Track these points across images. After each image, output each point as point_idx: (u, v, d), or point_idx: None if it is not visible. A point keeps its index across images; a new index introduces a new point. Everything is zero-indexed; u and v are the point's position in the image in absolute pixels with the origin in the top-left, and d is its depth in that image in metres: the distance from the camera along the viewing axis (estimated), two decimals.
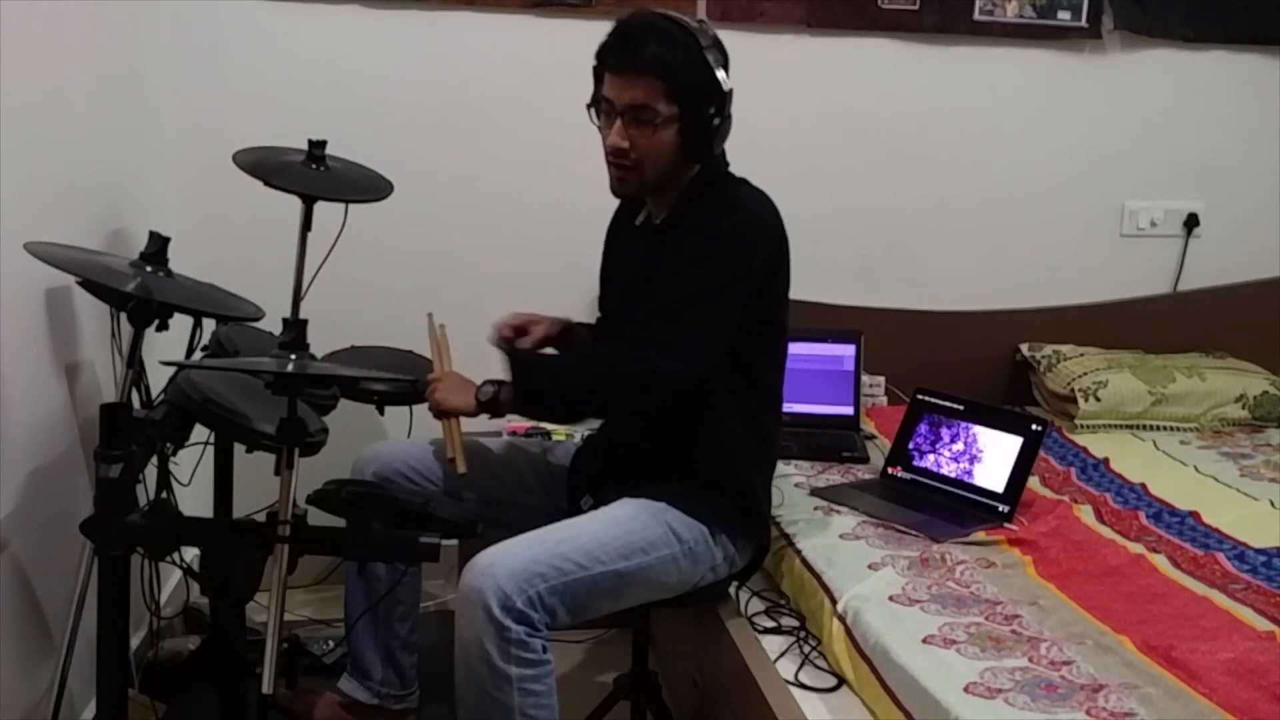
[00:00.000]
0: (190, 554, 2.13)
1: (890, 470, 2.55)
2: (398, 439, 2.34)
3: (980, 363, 3.22)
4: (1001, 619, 1.88)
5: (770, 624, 2.09)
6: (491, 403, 1.99)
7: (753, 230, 1.97)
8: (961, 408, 2.52)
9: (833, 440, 2.78)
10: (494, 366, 2.06)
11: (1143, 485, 2.54)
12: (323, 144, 2.29)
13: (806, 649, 1.99)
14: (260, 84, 2.87)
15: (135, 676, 2.18)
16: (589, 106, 1.99)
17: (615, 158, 1.96)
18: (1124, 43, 3.23)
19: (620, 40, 1.92)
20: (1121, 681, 1.65)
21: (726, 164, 2.06)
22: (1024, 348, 3.25)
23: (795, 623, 2.08)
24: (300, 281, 2.31)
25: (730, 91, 1.92)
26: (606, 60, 1.94)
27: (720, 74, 1.91)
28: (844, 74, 3.13)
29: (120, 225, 2.35)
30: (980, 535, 2.22)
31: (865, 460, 2.71)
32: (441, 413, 2.02)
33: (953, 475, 2.44)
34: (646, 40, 1.89)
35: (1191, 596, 1.99)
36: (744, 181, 2.04)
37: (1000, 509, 2.33)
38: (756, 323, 2.02)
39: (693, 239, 1.97)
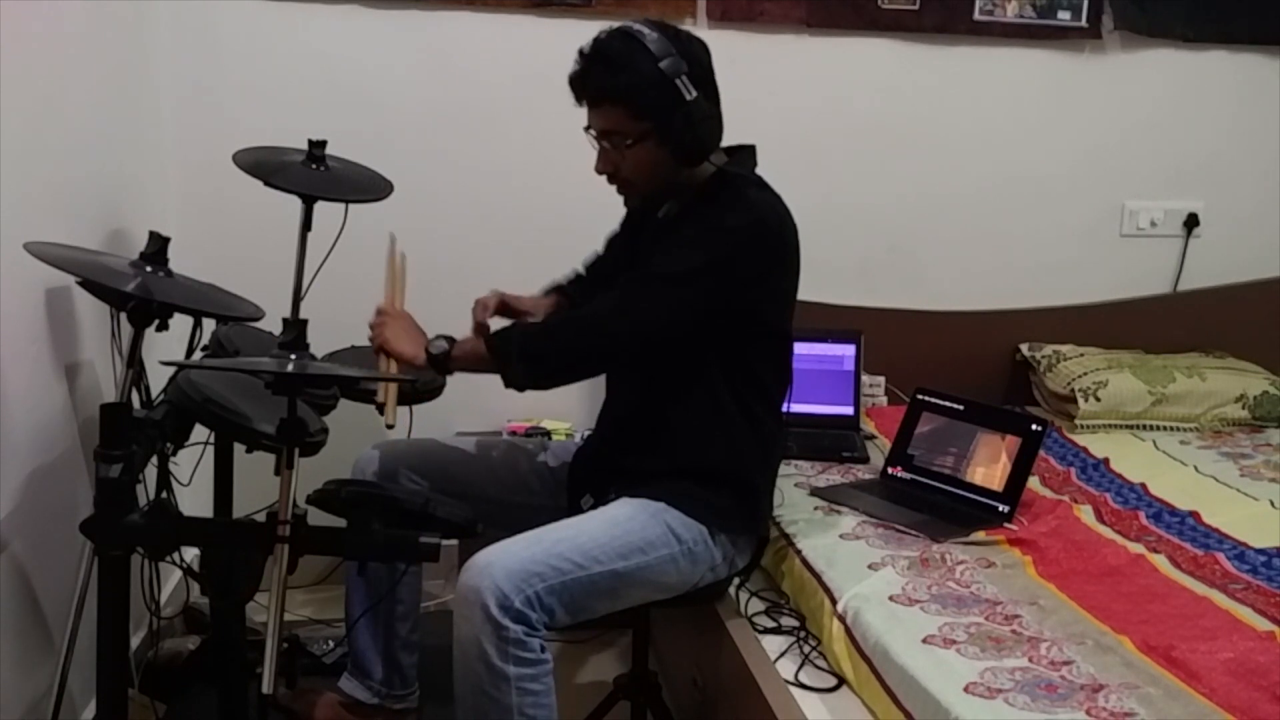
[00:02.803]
0: (190, 554, 2.13)
1: (890, 470, 2.55)
2: (398, 439, 2.34)
3: (980, 363, 3.22)
4: (1001, 619, 1.88)
5: (770, 624, 2.09)
6: (443, 359, 1.99)
7: (752, 232, 1.97)
8: (961, 408, 2.52)
9: (833, 440, 2.78)
10: None
11: (1143, 485, 2.54)
12: (323, 144, 2.29)
13: (806, 649, 1.99)
14: (260, 84, 2.87)
15: (135, 676, 2.18)
16: (586, 129, 2.01)
17: (607, 180, 2.02)
18: (1124, 43, 3.23)
19: (575, 72, 1.96)
20: (1121, 681, 1.65)
21: (754, 164, 2.08)
22: (1024, 348, 3.25)
23: (795, 623, 2.08)
24: (300, 281, 2.31)
25: (697, 97, 1.91)
26: (572, 92, 1.98)
27: (680, 81, 1.90)
28: (844, 74, 3.13)
29: (120, 225, 2.36)
30: (980, 535, 2.22)
31: (865, 460, 2.71)
32: (384, 351, 2.01)
33: (953, 475, 2.44)
34: (594, 70, 1.94)
35: (1191, 596, 1.99)
36: (762, 185, 2.04)
37: (1000, 509, 2.33)
38: (753, 328, 2.02)
39: (693, 229, 1.98)
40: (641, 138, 1.94)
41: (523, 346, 1.95)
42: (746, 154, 2.08)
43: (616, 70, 1.91)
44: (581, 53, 1.96)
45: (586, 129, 2.01)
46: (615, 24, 1.98)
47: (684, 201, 2.05)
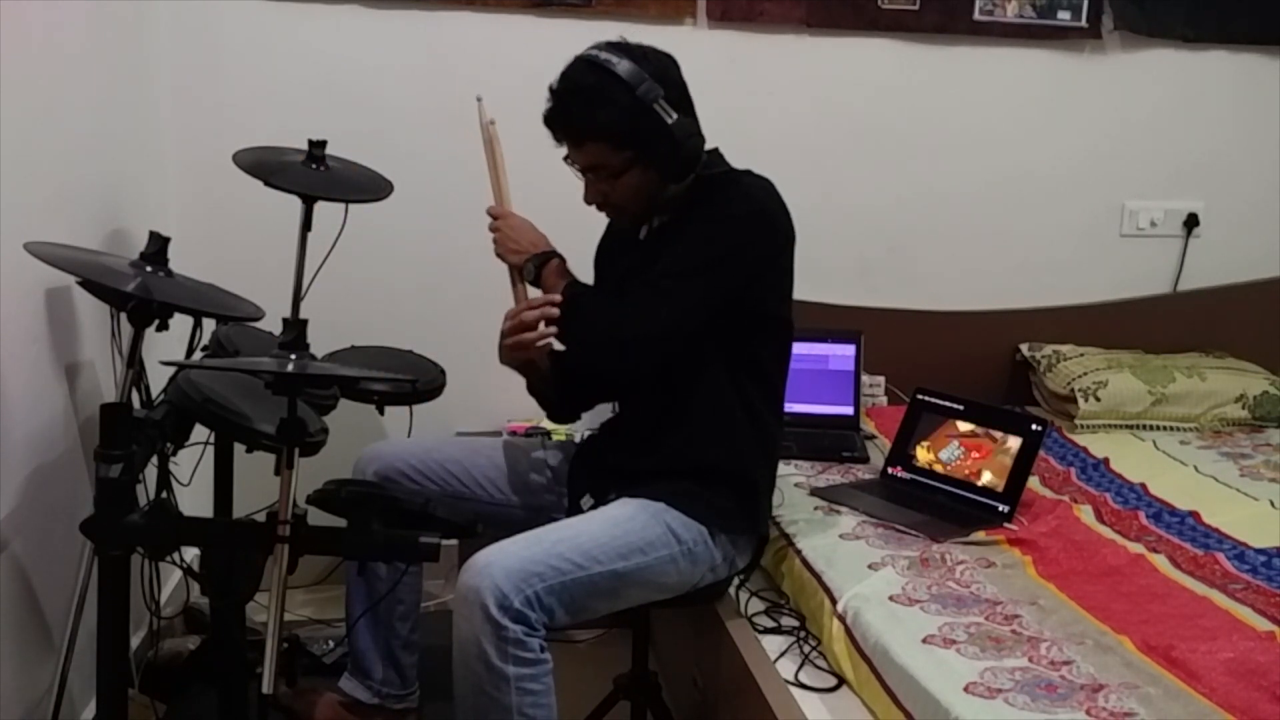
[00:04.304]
0: (190, 554, 2.13)
1: (890, 470, 2.55)
2: (398, 439, 2.34)
3: (980, 363, 3.22)
4: (1001, 619, 1.88)
5: (770, 624, 2.09)
6: (535, 270, 2.06)
7: (756, 217, 1.98)
8: (961, 408, 2.52)
9: (833, 440, 2.78)
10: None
11: (1143, 485, 2.54)
12: (323, 144, 2.29)
13: (806, 649, 1.99)
14: (260, 84, 2.87)
15: (135, 676, 2.18)
16: (565, 159, 1.99)
17: (596, 209, 2.02)
18: (1124, 43, 3.23)
19: (551, 111, 1.95)
20: (1121, 681, 1.65)
21: (723, 160, 2.07)
22: (1024, 348, 3.25)
23: (795, 623, 2.08)
24: (300, 281, 2.31)
25: (677, 119, 1.89)
26: (550, 130, 1.97)
27: (659, 106, 1.88)
28: (844, 74, 3.13)
29: (120, 225, 2.36)
30: (980, 535, 2.22)
31: (865, 460, 2.71)
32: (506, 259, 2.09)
33: (953, 475, 2.44)
34: (570, 108, 1.92)
35: (1191, 596, 1.99)
36: (747, 172, 2.04)
37: (1000, 509, 2.33)
38: (758, 317, 2.02)
39: (695, 225, 1.98)
40: (627, 166, 1.94)
41: (577, 296, 1.99)
42: (714, 155, 2.06)
43: (594, 106, 1.89)
44: (552, 90, 1.94)
45: (566, 159, 1.98)
46: (586, 53, 1.94)
47: (670, 213, 2.04)
